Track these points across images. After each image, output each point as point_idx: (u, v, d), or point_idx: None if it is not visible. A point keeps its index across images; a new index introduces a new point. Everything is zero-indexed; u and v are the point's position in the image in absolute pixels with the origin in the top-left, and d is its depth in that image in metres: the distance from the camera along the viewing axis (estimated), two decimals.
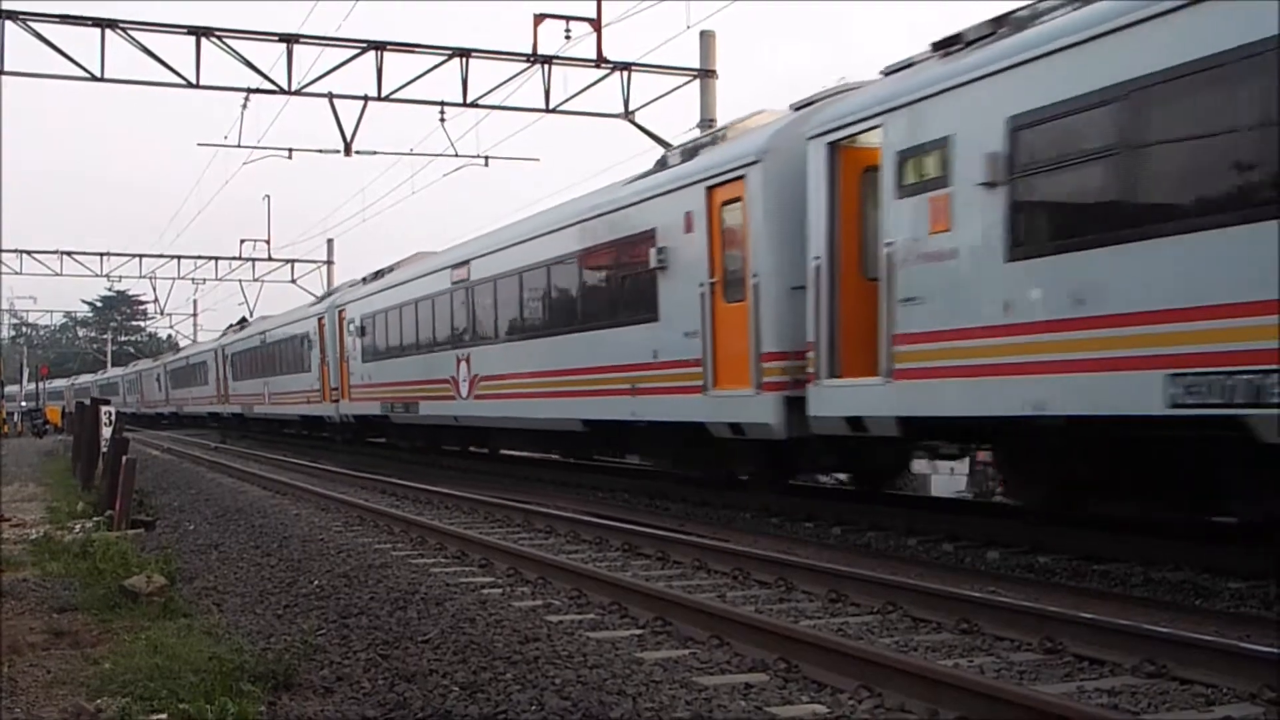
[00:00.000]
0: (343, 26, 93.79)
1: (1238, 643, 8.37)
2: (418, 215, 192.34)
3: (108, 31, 26.89)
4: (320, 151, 35.82)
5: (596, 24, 28.86)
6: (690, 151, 20.15)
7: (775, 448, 18.05)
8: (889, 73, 15.86)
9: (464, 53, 29.20)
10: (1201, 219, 10.96)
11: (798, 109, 17.70)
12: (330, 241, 65.19)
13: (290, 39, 28.34)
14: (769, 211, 16.98)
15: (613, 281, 21.66)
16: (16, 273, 63.50)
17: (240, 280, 67.28)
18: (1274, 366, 10.18)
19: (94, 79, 27.21)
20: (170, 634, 10.25)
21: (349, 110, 30.86)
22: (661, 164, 21.00)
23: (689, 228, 18.71)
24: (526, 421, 25.28)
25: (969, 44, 14.33)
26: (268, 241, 63.49)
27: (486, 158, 37.06)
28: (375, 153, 37.27)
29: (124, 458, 19.02)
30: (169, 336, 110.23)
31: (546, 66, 29.50)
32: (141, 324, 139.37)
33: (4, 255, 61.93)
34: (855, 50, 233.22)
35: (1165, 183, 11.66)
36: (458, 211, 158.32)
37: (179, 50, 36.12)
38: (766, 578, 12.43)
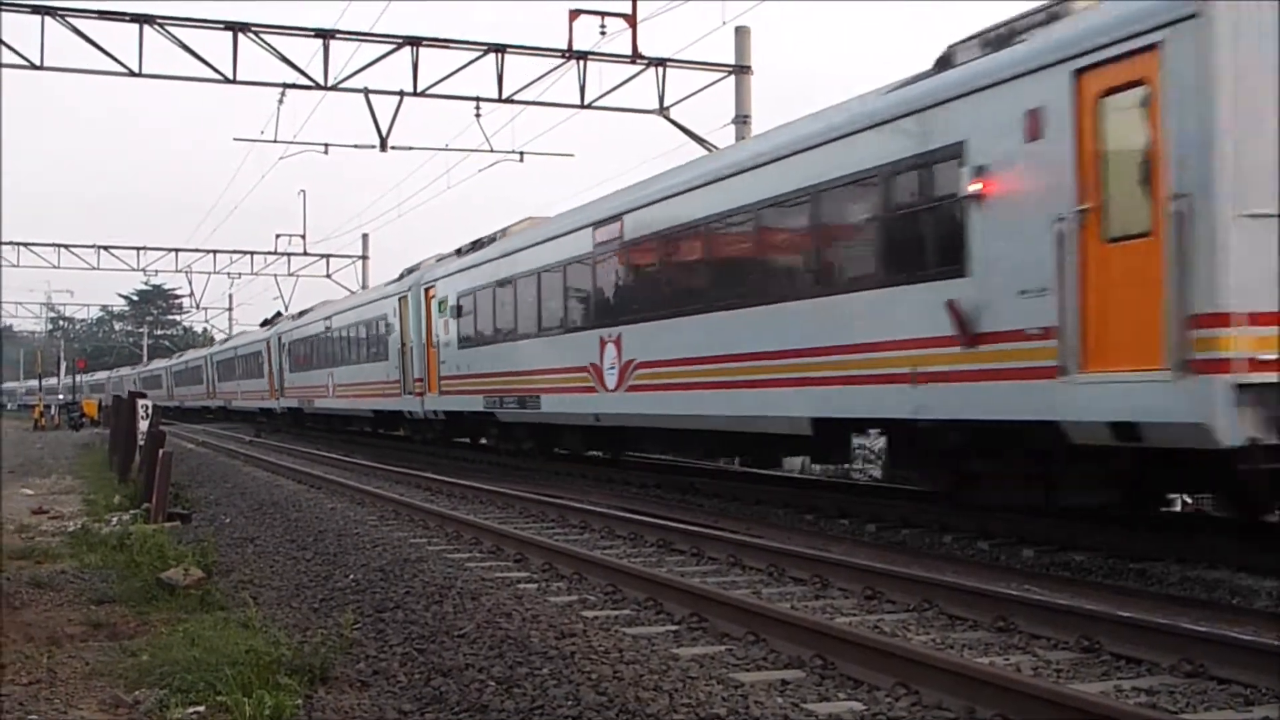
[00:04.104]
0: (379, 22, 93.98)
1: (1276, 642, 8.32)
2: (453, 210, 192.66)
3: (145, 27, 27.02)
4: (356, 147, 35.90)
5: (632, 19, 28.86)
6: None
7: None
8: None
9: (499, 48, 29.23)
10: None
11: None
12: (365, 236, 65.43)
13: (326, 34, 28.43)
14: None
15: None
16: (54, 267, 63.81)
17: (275, 275, 67.54)
18: None
19: (132, 74, 27.34)
20: (207, 626, 10.31)
21: (385, 105, 31.25)
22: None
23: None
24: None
25: None
26: (303, 236, 63.77)
27: (522, 153, 37.03)
28: (411, 148, 37.14)
29: (160, 451, 19.12)
30: (204, 330, 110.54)
31: (582, 62, 29.53)
32: (177, 318, 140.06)
33: (41, 250, 62.36)
34: (892, 43, 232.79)
35: None
36: (493, 207, 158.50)
37: (216, 46, 36.40)
38: (802, 574, 12.42)
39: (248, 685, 8.11)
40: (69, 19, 26.60)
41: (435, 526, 17.58)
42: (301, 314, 54.50)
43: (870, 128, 15.54)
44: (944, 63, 15.07)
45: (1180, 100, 11.42)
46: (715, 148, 30.27)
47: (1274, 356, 11.02)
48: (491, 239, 30.61)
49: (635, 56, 29.40)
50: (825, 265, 16.79)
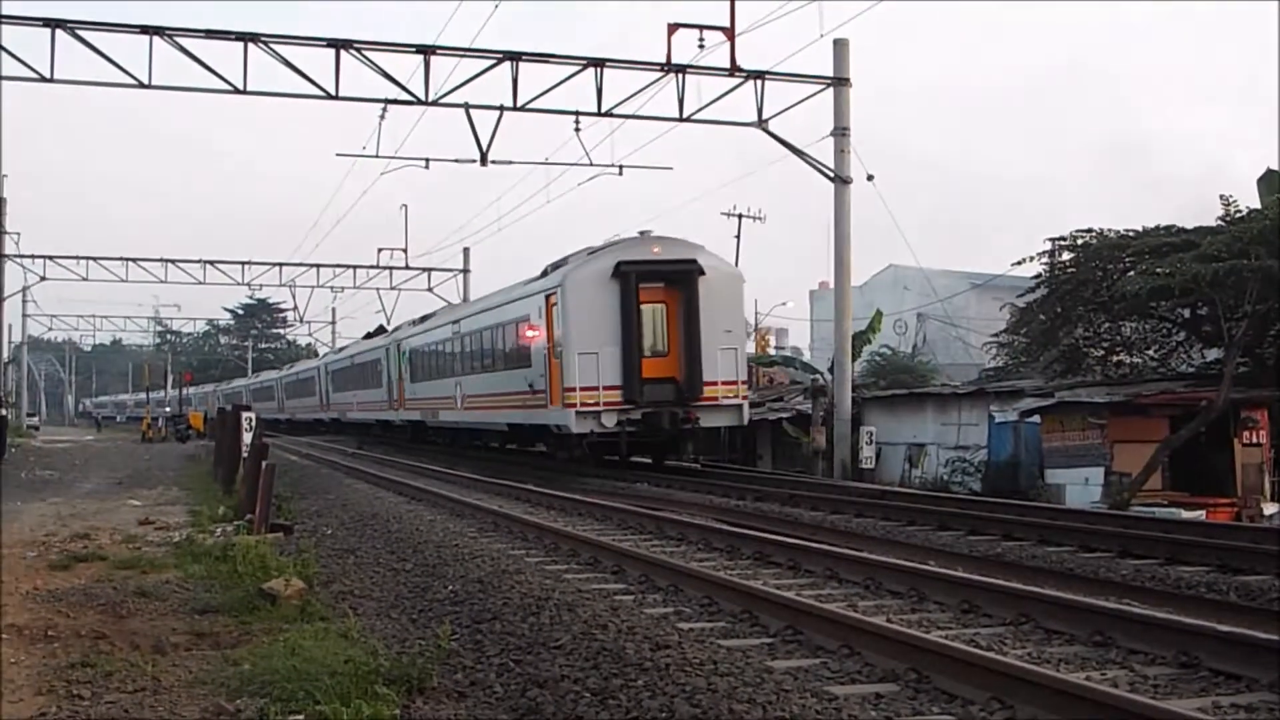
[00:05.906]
0: (479, 38, 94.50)
1: None
2: (553, 223, 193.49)
3: (250, 45, 27.43)
4: (457, 161, 36.01)
5: (730, 33, 28.92)
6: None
7: None
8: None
9: (598, 63, 29.40)
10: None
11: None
12: (466, 250, 65.98)
13: (427, 50, 28.73)
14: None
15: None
16: (162, 281, 64.88)
17: (378, 289, 68.22)
18: None
19: (237, 91, 27.76)
20: (307, 636, 10.42)
21: (485, 120, 31.23)
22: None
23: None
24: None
25: None
26: (405, 250, 64.23)
27: (621, 166, 36.84)
28: (511, 162, 37.19)
29: (263, 463, 19.36)
30: (308, 344, 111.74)
31: (680, 75, 29.61)
32: (281, 331, 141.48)
33: (149, 265, 63.46)
34: (982, 51, 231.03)
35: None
36: (592, 219, 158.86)
37: (319, 63, 36.72)
38: (899, 588, 12.38)
39: (346, 695, 8.22)
40: (175, 39, 27.09)
41: (534, 538, 17.66)
42: (340, 351, 71.61)
43: (514, 300, 33.85)
44: (545, 272, 32.14)
45: (560, 311, 29.30)
46: (814, 160, 30.46)
47: (590, 401, 28.12)
48: (430, 316, 50.02)
49: (734, 69, 29.47)
50: (504, 357, 35.08)
